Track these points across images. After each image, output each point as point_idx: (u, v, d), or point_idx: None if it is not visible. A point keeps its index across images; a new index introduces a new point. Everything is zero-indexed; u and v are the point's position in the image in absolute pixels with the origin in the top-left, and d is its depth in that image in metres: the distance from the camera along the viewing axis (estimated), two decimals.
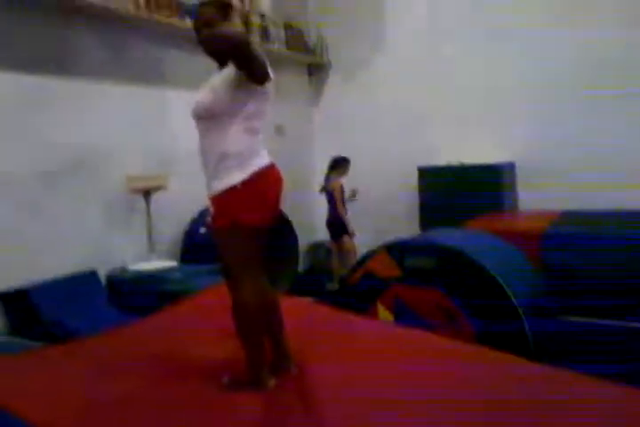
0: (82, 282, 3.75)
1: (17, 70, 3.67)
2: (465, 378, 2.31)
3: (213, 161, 2.15)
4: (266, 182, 2.17)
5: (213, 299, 2.65)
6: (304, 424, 1.84)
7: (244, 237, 2.14)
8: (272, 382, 2.21)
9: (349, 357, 2.45)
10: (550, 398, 2.09)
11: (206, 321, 2.42)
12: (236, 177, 2.11)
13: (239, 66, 2.04)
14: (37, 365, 2.36)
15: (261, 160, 2.18)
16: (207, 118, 2.17)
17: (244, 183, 2.10)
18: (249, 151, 2.14)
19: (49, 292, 3.49)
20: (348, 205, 5.55)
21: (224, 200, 2.14)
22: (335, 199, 5.41)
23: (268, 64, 2.12)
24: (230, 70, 2.12)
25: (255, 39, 1.96)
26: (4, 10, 3.57)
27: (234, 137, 2.12)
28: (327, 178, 5.56)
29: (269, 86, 2.17)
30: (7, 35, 3.61)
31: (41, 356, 2.53)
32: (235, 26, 2.21)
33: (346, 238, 5.42)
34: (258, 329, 2.22)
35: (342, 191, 5.47)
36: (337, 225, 5.45)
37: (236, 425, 1.88)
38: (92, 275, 3.87)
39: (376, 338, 2.75)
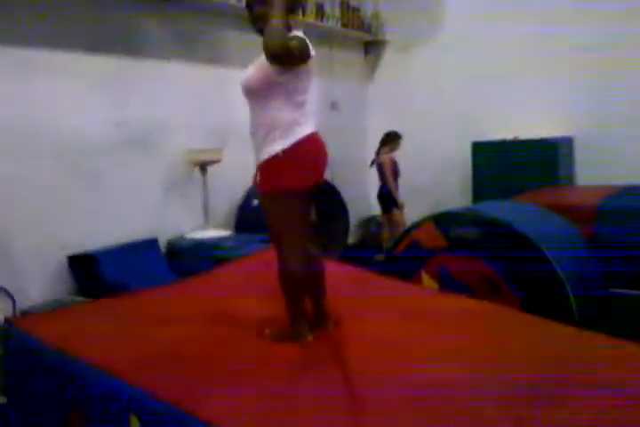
0: (143, 248, 4.01)
1: (94, 52, 3.94)
2: (499, 339, 2.36)
3: (261, 133, 2.28)
4: (306, 150, 2.27)
5: (258, 263, 2.80)
6: (330, 375, 1.96)
7: (286, 202, 2.26)
8: (310, 338, 2.35)
9: (384, 317, 2.54)
10: (589, 364, 2.11)
11: (251, 281, 2.58)
12: (278, 146, 2.24)
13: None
14: (96, 313, 2.61)
15: (303, 130, 2.28)
16: (253, 94, 2.31)
17: (285, 151, 2.22)
18: (292, 123, 2.26)
19: (113, 257, 3.75)
20: (400, 180, 5.59)
21: (268, 167, 2.27)
22: (386, 173, 5.46)
23: (308, 48, 2.22)
24: None
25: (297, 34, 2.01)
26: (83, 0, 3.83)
27: (278, 111, 2.24)
28: (378, 152, 5.62)
29: (310, 64, 2.27)
30: (86, 20, 3.89)
31: (100, 306, 2.78)
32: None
33: (396, 211, 5.47)
34: (300, 291, 2.37)
35: (393, 166, 5.51)
36: (387, 199, 5.51)
37: (271, 372, 2.02)
38: (153, 242, 4.12)
39: (415, 300, 2.82)
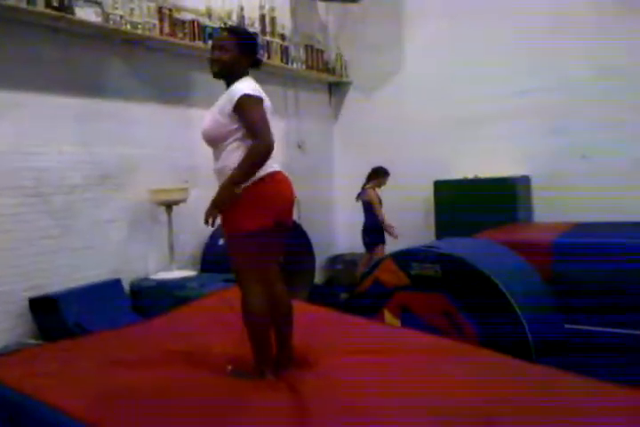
0: (106, 289, 3.99)
1: (62, 92, 4.02)
2: (460, 377, 2.41)
3: (222, 174, 2.35)
4: (264, 191, 2.32)
5: (218, 300, 2.82)
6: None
7: (244, 241, 2.33)
8: (271, 377, 2.36)
9: (345, 356, 2.59)
10: (547, 399, 2.17)
11: (211, 319, 2.61)
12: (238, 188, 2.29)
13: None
14: (54, 355, 2.59)
15: (265, 170, 2.32)
16: (212, 141, 2.42)
17: (244, 190, 2.27)
18: None
19: (75, 299, 3.72)
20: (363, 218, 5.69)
21: (229, 209, 2.32)
22: (375, 207, 5.56)
23: (266, 134, 2.27)
24: (227, 97, 2.34)
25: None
26: (52, 42, 3.94)
27: (235, 154, 2.32)
28: (364, 188, 5.72)
29: (265, 109, 2.36)
30: (54, 61, 3.97)
31: (60, 348, 2.77)
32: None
33: (379, 248, 5.52)
34: (261, 330, 2.38)
35: (380, 200, 5.64)
36: (372, 234, 5.59)
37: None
38: (117, 283, 4.10)
39: (375, 337, 2.86)
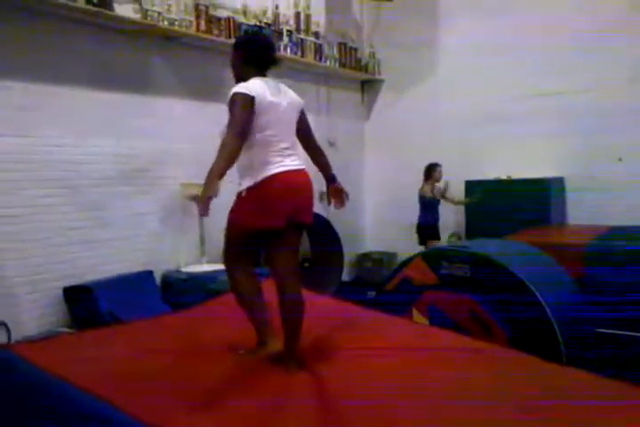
0: (138, 281, 4.07)
1: (99, 87, 4.11)
2: (486, 377, 2.39)
3: (238, 170, 2.44)
4: (268, 193, 2.37)
5: None
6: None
7: (237, 236, 2.52)
8: (277, 344, 2.51)
9: (369, 351, 2.60)
10: (575, 403, 2.14)
11: (233, 314, 2.68)
12: (244, 185, 2.40)
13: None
14: (90, 342, 2.67)
15: (272, 169, 2.37)
16: None
17: (249, 189, 2.37)
18: (260, 162, 2.38)
19: (108, 289, 3.80)
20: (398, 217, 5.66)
21: (235, 201, 2.47)
22: (425, 204, 5.54)
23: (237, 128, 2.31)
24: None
25: None
26: (92, 37, 4.04)
27: (244, 150, 2.37)
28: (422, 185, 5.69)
29: (265, 101, 2.38)
30: (93, 56, 4.06)
31: (93, 336, 2.84)
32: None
33: (430, 244, 5.49)
34: (248, 301, 2.58)
35: (440, 195, 5.61)
36: (422, 231, 5.57)
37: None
38: (148, 275, 4.19)
39: (401, 335, 2.86)
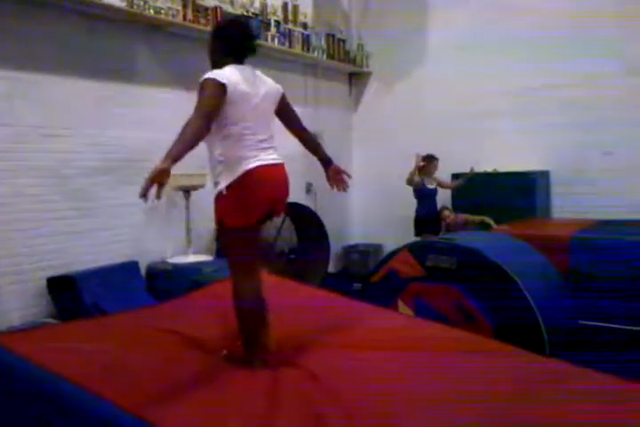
0: (123, 271, 4.04)
1: (87, 76, 4.07)
2: (469, 369, 2.40)
3: (210, 169, 2.37)
4: (247, 188, 2.24)
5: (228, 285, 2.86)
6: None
7: (231, 237, 2.37)
8: (260, 365, 2.37)
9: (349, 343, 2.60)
10: (559, 394, 2.16)
11: (223, 304, 2.64)
12: (221, 184, 2.28)
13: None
14: (74, 333, 2.66)
15: (248, 164, 2.26)
16: None
17: (228, 187, 2.25)
18: (234, 157, 2.28)
19: (93, 279, 3.78)
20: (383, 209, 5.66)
21: (215, 203, 2.34)
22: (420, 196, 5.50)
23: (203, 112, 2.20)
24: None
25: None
26: (77, 25, 3.98)
27: (217, 144, 2.31)
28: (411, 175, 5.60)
29: (236, 94, 2.26)
30: (82, 46, 4.02)
31: (78, 326, 2.83)
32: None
33: (424, 237, 5.45)
34: (250, 318, 2.40)
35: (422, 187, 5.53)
36: (418, 223, 5.52)
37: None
38: (133, 265, 4.16)
39: (385, 326, 2.86)
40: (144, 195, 1.98)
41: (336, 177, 2.65)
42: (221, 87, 2.23)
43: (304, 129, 2.64)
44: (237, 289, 2.38)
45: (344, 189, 2.66)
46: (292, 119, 2.59)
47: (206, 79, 2.26)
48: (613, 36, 5.31)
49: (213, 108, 2.21)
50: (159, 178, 1.98)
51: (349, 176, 2.65)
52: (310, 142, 2.65)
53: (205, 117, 2.18)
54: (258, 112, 2.35)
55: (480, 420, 1.92)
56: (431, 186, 5.52)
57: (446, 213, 5.52)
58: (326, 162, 2.66)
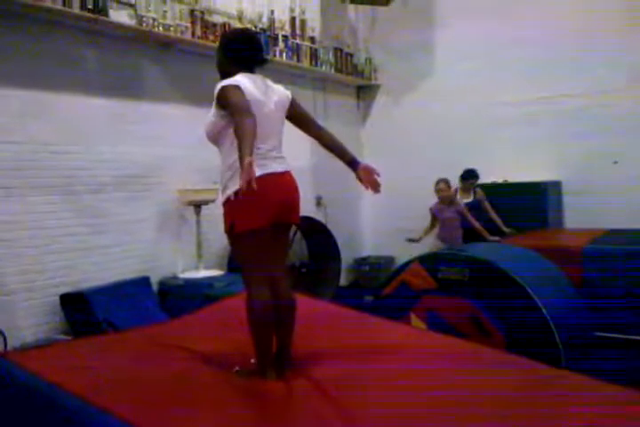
0: (135, 287, 4.04)
1: (98, 93, 4.12)
2: (483, 383, 2.37)
3: (220, 176, 2.37)
4: (258, 189, 2.08)
5: (240, 301, 2.86)
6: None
7: (242, 242, 2.34)
8: (273, 375, 2.35)
9: (359, 355, 2.58)
10: (573, 408, 2.13)
11: (230, 320, 2.63)
12: (230, 189, 2.26)
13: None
14: (86, 349, 2.65)
15: (257, 172, 2.14)
16: (210, 139, 2.43)
17: (236, 193, 2.17)
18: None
19: (105, 295, 3.78)
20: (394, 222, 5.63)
21: (225, 209, 2.35)
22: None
23: (242, 110, 2.19)
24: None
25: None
26: (87, 43, 4.05)
27: (228, 152, 2.31)
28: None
29: (250, 100, 2.26)
30: (93, 64, 4.09)
31: (90, 343, 2.83)
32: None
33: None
34: (263, 329, 2.35)
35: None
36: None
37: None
38: (145, 281, 4.16)
39: (397, 339, 2.84)
40: (248, 184, 1.98)
41: (369, 178, 2.50)
42: (239, 88, 2.27)
43: (321, 128, 2.57)
44: (249, 297, 2.35)
45: (378, 190, 2.51)
46: (307, 122, 2.56)
47: (223, 86, 2.30)
48: (622, 44, 5.30)
49: (246, 102, 2.22)
50: (250, 168, 1.99)
51: (379, 175, 2.51)
52: (331, 143, 2.53)
53: (247, 111, 2.18)
54: (269, 120, 2.35)
55: None
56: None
57: (442, 185, 5.34)
58: (353, 162, 2.52)
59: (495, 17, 5.97)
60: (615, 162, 5.46)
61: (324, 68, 6.11)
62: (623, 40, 5.30)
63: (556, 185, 5.71)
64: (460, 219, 5.21)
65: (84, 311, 3.66)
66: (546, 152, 5.77)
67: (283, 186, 2.38)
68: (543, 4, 5.73)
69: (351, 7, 6.83)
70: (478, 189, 5.53)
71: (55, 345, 3.07)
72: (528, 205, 5.37)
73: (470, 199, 5.50)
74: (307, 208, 5.75)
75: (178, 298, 4.09)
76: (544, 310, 3.15)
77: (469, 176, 5.51)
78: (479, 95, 6.08)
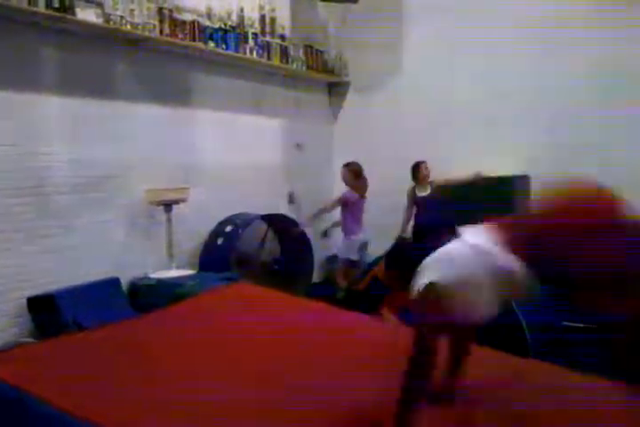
0: (104, 288, 4.00)
1: (63, 93, 4.03)
2: None
3: None
4: None
5: (216, 297, 2.85)
6: None
7: None
8: None
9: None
10: (544, 396, 2.17)
11: (206, 315, 2.63)
12: None
13: None
14: (53, 351, 2.62)
15: None
16: None
17: None
18: None
19: (73, 297, 3.73)
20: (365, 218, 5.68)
21: None
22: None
23: None
24: None
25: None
26: (54, 42, 3.97)
27: None
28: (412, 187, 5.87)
29: None
30: (60, 64, 4.00)
31: (56, 344, 2.79)
32: None
33: None
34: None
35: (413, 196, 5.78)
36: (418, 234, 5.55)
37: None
38: (115, 282, 4.12)
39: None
40: None
41: None
42: None
43: None
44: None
45: None
46: None
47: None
48: (591, 37, 5.33)
49: None
50: None
51: None
52: None
53: None
54: None
55: None
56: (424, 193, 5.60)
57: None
58: None
59: (464, 13, 6.01)
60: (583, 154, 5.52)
61: (294, 65, 6.10)
62: (597, 34, 5.35)
63: (525, 179, 5.78)
64: None
65: (52, 314, 3.61)
66: (516, 147, 5.83)
67: None
68: (511, 4, 5.79)
69: (321, 4, 6.83)
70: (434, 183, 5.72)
71: (19, 348, 3.01)
72: (496, 199, 5.42)
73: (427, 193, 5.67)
74: (279, 205, 5.77)
75: (148, 297, 4.06)
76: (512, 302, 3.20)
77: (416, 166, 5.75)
78: (449, 91, 6.12)
